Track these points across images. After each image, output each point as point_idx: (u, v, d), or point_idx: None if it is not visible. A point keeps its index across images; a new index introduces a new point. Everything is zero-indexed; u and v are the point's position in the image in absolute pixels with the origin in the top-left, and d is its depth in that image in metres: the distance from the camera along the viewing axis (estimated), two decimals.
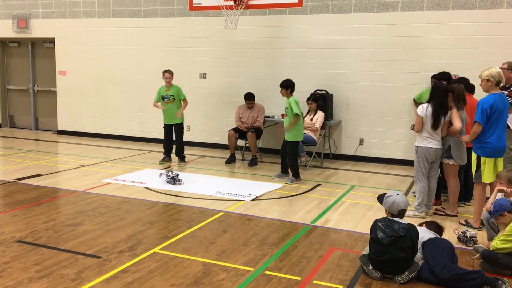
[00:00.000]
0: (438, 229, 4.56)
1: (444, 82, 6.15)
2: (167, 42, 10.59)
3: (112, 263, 4.19)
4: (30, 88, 12.68)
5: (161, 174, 7.20)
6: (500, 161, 5.29)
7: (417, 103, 8.64)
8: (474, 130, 5.21)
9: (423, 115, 5.60)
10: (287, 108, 7.43)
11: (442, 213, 5.84)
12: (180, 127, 8.77)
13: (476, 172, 5.29)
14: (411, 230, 3.97)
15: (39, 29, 11.93)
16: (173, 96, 8.64)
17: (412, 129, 6.00)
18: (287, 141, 7.49)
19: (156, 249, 4.52)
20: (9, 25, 12.14)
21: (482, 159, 5.21)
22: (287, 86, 7.44)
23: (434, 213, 5.85)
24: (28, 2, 11.95)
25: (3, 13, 12.27)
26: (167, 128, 8.81)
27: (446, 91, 5.64)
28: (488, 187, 5.42)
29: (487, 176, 5.22)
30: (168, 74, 8.64)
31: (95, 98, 11.49)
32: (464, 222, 5.49)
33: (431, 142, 5.64)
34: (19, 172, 7.65)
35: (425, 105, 5.65)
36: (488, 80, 5.16)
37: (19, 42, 12.63)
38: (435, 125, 5.56)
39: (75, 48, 11.57)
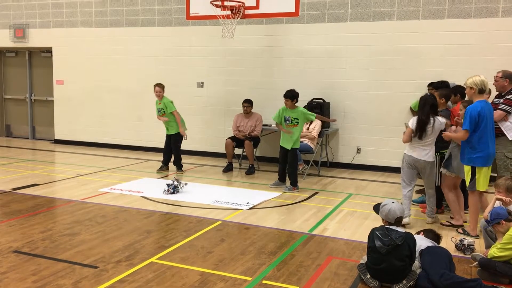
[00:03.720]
0: (436, 237, 4.56)
1: (429, 94, 6.19)
2: (164, 51, 10.62)
3: (109, 273, 4.17)
4: (27, 98, 12.68)
5: (168, 185, 7.08)
6: (489, 170, 5.31)
7: (413, 111, 8.67)
8: (461, 136, 5.25)
9: (413, 127, 5.60)
10: (296, 118, 7.42)
11: (448, 224, 5.78)
12: (175, 137, 8.80)
13: (470, 181, 5.27)
14: (409, 239, 3.97)
15: (36, 39, 11.96)
16: (163, 109, 8.69)
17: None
18: (290, 149, 7.49)
19: (153, 259, 4.51)
20: (6, 35, 12.15)
21: (478, 168, 5.21)
22: (293, 97, 7.43)
23: (442, 224, 5.80)
24: (25, 12, 11.98)
25: (0, 23, 12.29)
26: (167, 138, 8.89)
27: (432, 100, 5.65)
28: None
29: (483, 184, 5.23)
30: (158, 87, 8.68)
31: (93, 107, 11.50)
32: (461, 231, 5.49)
33: (415, 151, 5.65)
34: (16, 182, 7.62)
35: (415, 117, 5.66)
36: (471, 88, 5.23)
37: (16, 52, 12.64)
38: (420, 135, 5.57)
39: (73, 58, 11.59)
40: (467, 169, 5.30)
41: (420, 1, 8.64)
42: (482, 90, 5.20)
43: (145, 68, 10.82)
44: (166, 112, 8.69)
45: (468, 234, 5.34)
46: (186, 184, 7.21)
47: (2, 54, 12.82)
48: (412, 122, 5.64)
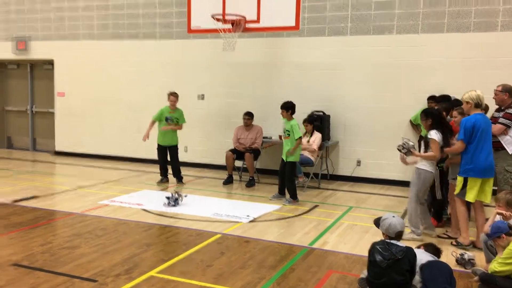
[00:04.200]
0: (436, 251, 4.55)
1: (436, 107, 6.23)
2: (165, 64, 10.68)
3: (108, 286, 4.16)
4: (28, 109, 12.72)
5: (168, 198, 7.08)
6: (489, 182, 5.33)
7: (413, 124, 8.70)
8: (457, 147, 5.32)
9: (440, 141, 5.56)
10: (287, 130, 7.47)
11: (446, 236, 5.79)
12: (174, 149, 8.81)
13: (461, 189, 5.33)
14: (409, 253, 3.95)
15: (38, 51, 12.03)
16: (177, 119, 8.72)
17: (401, 150, 5.75)
18: (286, 162, 7.50)
19: (152, 273, 4.49)
20: (9, 47, 12.23)
21: (470, 179, 5.26)
22: (288, 108, 7.49)
23: (438, 236, 5.80)
24: (27, 24, 12.07)
25: (3, 35, 12.37)
26: (161, 149, 8.84)
27: (441, 113, 5.70)
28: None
29: (472, 195, 5.26)
30: (173, 97, 8.73)
31: (93, 119, 11.53)
32: (455, 242, 5.48)
33: (432, 166, 5.67)
34: (16, 194, 7.62)
35: (434, 131, 5.60)
36: (467, 102, 5.36)
37: (18, 64, 12.71)
38: (442, 149, 5.58)
39: (74, 70, 11.65)
40: (459, 178, 5.36)
41: (420, 15, 8.71)
42: (478, 104, 5.32)
43: (146, 80, 10.87)
44: (179, 122, 8.77)
45: (461, 245, 5.35)
46: (186, 196, 7.20)
47: (4, 66, 12.89)
48: (437, 136, 5.55)
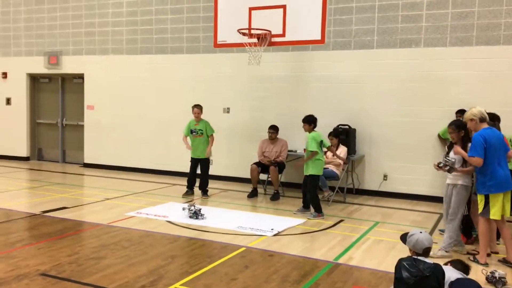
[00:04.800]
0: (465, 268, 4.43)
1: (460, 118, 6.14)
2: (192, 77, 10.83)
3: None
4: (59, 122, 13.04)
5: (184, 209, 7.24)
6: (507, 196, 5.26)
7: (442, 138, 8.55)
8: (475, 163, 5.23)
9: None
10: (307, 145, 7.48)
11: (475, 252, 5.64)
12: (206, 162, 8.90)
13: (484, 208, 5.27)
14: (437, 270, 3.86)
15: (69, 65, 12.36)
16: (201, 130, 8.82)
17: (443, 168, 5.59)
18: (308, 175, 7.47)
19: (177, 285, 4.51)
20: (41, 62, 12.60)
21: (491, 196, 5.19)
22: (310, 122, 7.51)
23: (468, 253, 5.67)
24: (59, 40, 12.43)
25: (35, 50, 12.77)
26: (193, 161, 8.94)
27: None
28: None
29: (496, 212, 5.19)
30: (197, 109, 8.83)
31: (121, 132, 11.74)
32: (472, 258, 5.35)
33: (470, 180, 5.63)
34: (46, 205, 7.79)
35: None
36: (471, 120, 5.33)
37: (50, 78, 13.07)
38: None
39: (103, 84, 11.91)
40: (480, 197, 5.31)
41: (448, 28, 8.61)
42: (482, 118, 5.30)
43: (173, 93, 11.04)
44: (204, 134, 8.87)
45: (477, 262, 5.24)
46: (200, 210, 7.13)
47: (36, 80, 13.28)
48: None
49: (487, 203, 5.25)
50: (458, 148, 5.54)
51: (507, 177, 5.23)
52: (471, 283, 4.09)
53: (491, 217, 5.22)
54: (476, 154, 5.19)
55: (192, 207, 7.10)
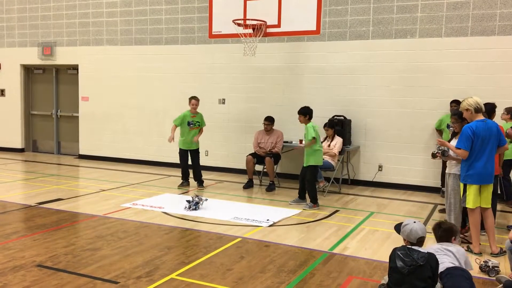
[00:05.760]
0: (447, 232, 4.38)
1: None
2: (187, 68, 10.79)
3: None
4: (53, 114, 12.98)
5: (188, 201, 7.12)
6: (488, 188, 5.32)
7: (437, 130, 8.56)
8: (461, 154, 5.31)
9: None
10: (306, 134, 7.50)
11: (465, 240, 5.73)
12: (196, 152, 8.89)
13: (463, 195, 5.40)
14: (431, 259, 3.89)
15: (63, 56, 12.28)
16: (198, 122, 8.81)
17: (438, 154, 5.70)
18: (307, 166, 7.49)
19: (173, 275, 4.53)
20: (35, 52, 12.52)
21: (468, 185, 5.29)
22: (305, 113, 7.52)
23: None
24: (53, 31, 12.34)
25: (29, 41, 12.67)
26: (183, 153, 8.91)
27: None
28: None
29: (472, 201, 5.27)
30: (194, 100, 8.81)
31: (116, 123, 11.70)
32: (466, 248, 5.40)
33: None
34: (41, 196, 7.78)
35: None
36: (467, 110, 5.35)
37: (44, 69, 12.99)
38: None
39: (98, 75, 11.85)
40: (461, 185, 5.43)
41: (443, 19, 8.61)
42: (478, 109, 5.31)
43: (168, 84, 11.00)
44: (201, 126, 8.89)
45: (471, 251, 5.31)
46: (206, 200, 7.24)
47: (30, 71, 13.19)
48: None
49: (464, 192, 5.35)
50: (441, 139, 5.73)
51: (486, 170, 5.25)
52: (464, 272, 4.10)
53: (467, 205, 5.33)
54: (461, 146, 5.25)
55: (196, 198, 7.09)
